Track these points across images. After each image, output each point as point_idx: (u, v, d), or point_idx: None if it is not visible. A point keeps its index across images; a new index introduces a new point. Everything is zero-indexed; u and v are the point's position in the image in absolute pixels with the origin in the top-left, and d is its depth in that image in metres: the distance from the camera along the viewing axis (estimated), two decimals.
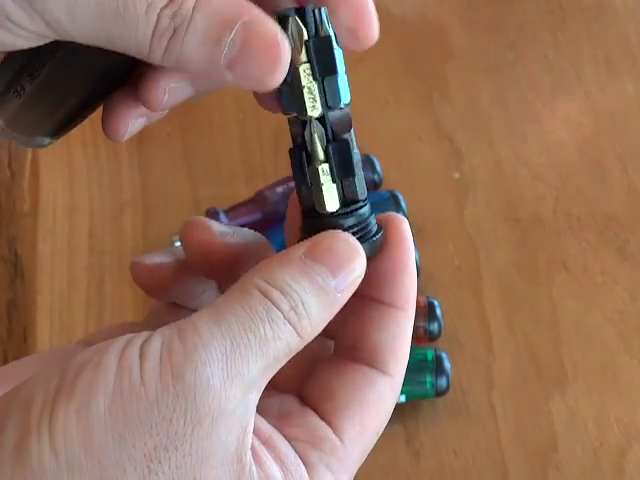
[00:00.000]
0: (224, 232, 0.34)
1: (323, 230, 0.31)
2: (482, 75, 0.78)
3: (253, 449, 0.28)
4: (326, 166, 0.32)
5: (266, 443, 0.29)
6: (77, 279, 0.68)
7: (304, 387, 0.32)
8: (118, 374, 0.26)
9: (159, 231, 0.69)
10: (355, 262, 0.30)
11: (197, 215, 0.36)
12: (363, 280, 0.32)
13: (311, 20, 0.31)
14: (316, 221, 0.32)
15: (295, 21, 0.31)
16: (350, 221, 0.32)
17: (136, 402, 0.26)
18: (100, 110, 0.35)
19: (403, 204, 0.67)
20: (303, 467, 0.29)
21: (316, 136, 0.32)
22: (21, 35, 0.29)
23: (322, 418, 0.31)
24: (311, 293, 0.29)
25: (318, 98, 0.32)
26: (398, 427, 0.60)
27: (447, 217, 0.70)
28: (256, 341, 0.27)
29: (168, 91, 0.33)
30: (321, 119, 0.32)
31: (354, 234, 0.32)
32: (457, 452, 0.59)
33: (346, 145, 0.32)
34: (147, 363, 0.26)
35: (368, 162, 0.68)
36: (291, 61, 0.31)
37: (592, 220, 0.69)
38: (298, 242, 0.31)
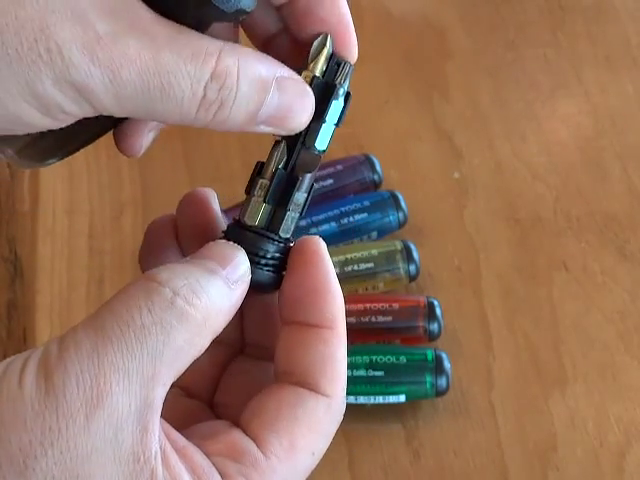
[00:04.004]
0: (220, 217, 0.36)
1: (235, 240, 0.32)
2: (482, 75, 0.78)
3: (164, 453, 0.28)
4: (265, 182, 0.33)
5: (179, 452, 0.29)
6: (77, 279, 0.68)
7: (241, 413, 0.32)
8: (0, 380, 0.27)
9: None
10: (239, 257, 0.31)
11: None
12: (287, 307, 0.33)
13: (333, 65, 0.33)
14: (237, 229, 0.33)
15: (327, 44, 0.32)
16: (265, 246, 0.32)
17: (12, 402, 0.27)
18: None
19: (403, 204, 0.67)
20: (218, 476, 0.29)
21: (276, 155, 0.33)
22: (65, 120, 0.30)
23: (249, 435, 0.31)
24: (204, 275, 0.29)
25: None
26: (398, 427, 0.60)
27: (447, 217, 0.70)
28: (130, 330, 0.27)
29: None
30: (291, 149, 0.33)
31: (262, 258, 0.32)
32: (457, 452, 0.59)
33: (294, 181, 0.33)
34: (26, 369, 0.27)
35: (368, 162, 0.68)
36: None
37: (592, 220, 0.69)
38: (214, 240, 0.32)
